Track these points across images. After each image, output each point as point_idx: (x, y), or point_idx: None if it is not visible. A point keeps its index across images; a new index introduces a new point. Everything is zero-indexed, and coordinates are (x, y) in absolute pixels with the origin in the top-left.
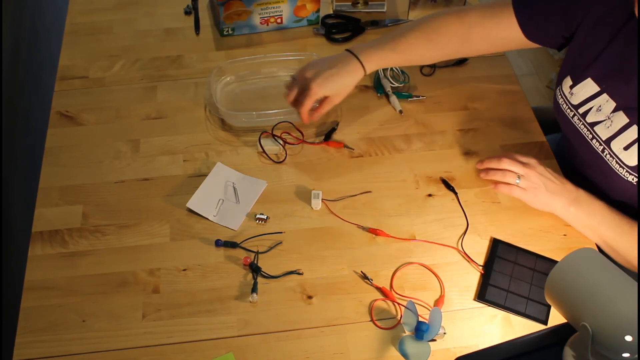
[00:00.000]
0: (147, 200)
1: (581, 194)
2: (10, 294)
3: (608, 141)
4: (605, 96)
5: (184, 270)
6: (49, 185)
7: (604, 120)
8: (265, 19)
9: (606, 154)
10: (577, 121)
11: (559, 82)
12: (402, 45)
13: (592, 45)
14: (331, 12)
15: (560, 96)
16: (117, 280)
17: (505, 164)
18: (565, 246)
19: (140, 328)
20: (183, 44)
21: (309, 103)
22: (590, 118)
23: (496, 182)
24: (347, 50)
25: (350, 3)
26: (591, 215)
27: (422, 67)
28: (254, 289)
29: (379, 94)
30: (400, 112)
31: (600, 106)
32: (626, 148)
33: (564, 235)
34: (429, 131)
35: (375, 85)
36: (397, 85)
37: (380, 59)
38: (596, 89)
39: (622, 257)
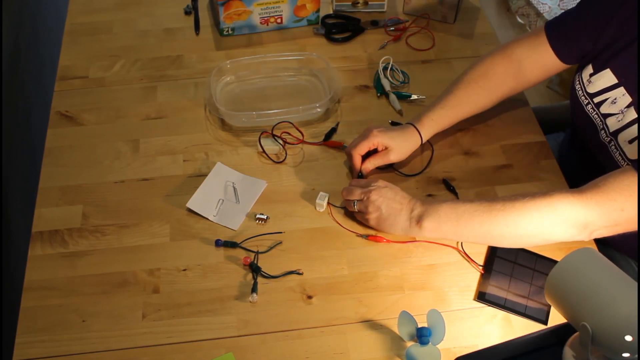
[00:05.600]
0: (147, 200)
1: (427, 207)
2: (10, 294)
3: (615, 133)
4: (622, 90)
5: (184, 270)
6: (49, 185)
7: (617, 114)
8: (265, 19)
9: (612, 146)
10: (591, 110)
11: (580, 68)
12: (451, 100)
13: (618, 39)
14: (331, 12)
15: (578, 82)
16: (117, 280)
17: (344, 194)
18: (565, 246)
19: (140, 328)
20: (183, 44)
21: (365, 145)
22: (604, 109)
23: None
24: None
25: (350, 3)
26: (446, 219)
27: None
28: (254, 289)
29: (378, 94)
30: (400, 112)
31: (615, 99)
32: (631, 142)
33: None
34: None
35: (376, 85)
36: (397, 85)
37: (432, 119)
38: (614, 80)
39: (499, 239)
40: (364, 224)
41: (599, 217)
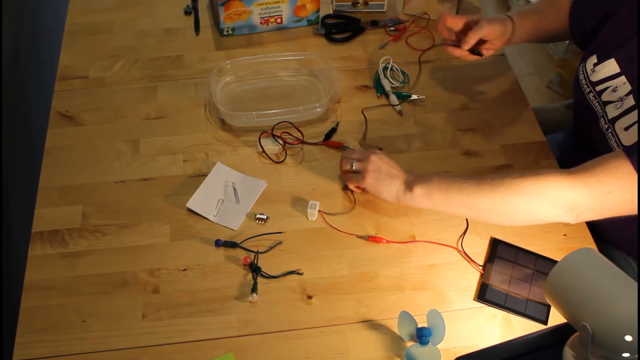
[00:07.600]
0: (147, 200)
1: (421, 176)
2: (10, 294)
3: (613, 120)
4: (623, 78)
5: (184, 270)
6: (49, 185)
7: (616, 102)
8: (265, 19)
9: (609, 133)
10: (592, 98)
11: (584, 59)
12: (535, 7)
13: (624, 31)
14: (331, 12)
15: (581, 72)
16: (117, 280)
17: (342, 161)
18: (565, 246)
19: (140, 328)
20: (183, 44)
21: (477, 34)
22: (605, 97)
23: (344, 174)
24: None
25: (350, 3)
26: (437, 187)
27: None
28: (254, 289)
29: (378, 94)
30: (400, 112)
31: (616, 87)
32: (626, 129)
33: (564, 235)
34: (429, 131)
35: (376, 85)
36: (397, 85)
37: (521, 16)
38: (617, 70)
39: (487, 213)
40: (360, 223)
41: (587, 199)
